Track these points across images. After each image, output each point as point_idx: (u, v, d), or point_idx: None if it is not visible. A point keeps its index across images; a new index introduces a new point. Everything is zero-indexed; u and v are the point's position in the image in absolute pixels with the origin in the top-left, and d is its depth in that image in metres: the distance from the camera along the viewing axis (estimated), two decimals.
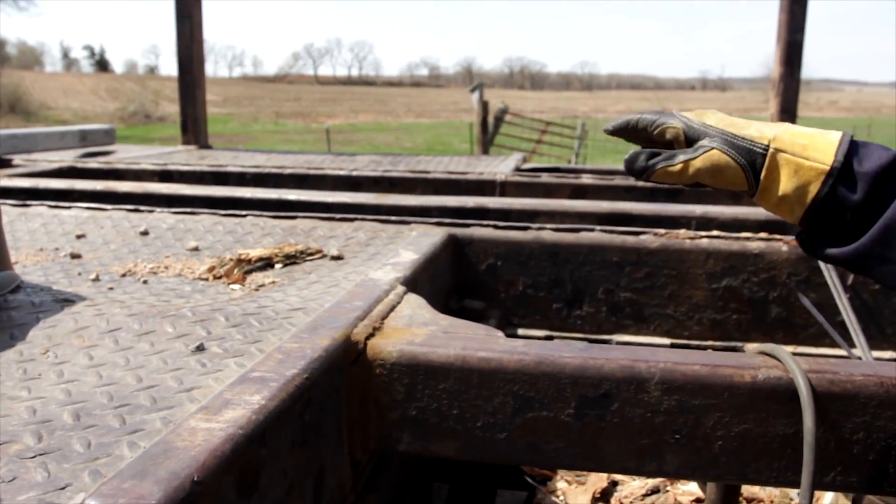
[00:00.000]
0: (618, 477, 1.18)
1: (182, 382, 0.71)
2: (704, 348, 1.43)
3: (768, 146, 0.78)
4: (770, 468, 0.78)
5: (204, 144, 3.76)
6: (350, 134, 29.38)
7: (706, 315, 1.45)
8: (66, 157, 3.06)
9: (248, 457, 0.57)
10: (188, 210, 1.64)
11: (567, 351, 0.80)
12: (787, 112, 3.31)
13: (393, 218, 1.57)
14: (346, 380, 0.81)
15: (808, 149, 0.77)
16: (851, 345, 1.32)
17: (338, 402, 0.79)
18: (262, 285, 1.15)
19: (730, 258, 1.43)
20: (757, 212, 1.80)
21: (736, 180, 0.80)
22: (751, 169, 0.79)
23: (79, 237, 1.50)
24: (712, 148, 0.80)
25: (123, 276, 1.23)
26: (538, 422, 0.80)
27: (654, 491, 1.12)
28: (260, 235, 1.49)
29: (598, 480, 1.13)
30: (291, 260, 1.30)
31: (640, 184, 2.54)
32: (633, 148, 0.86)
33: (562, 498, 1.09)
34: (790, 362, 0.76)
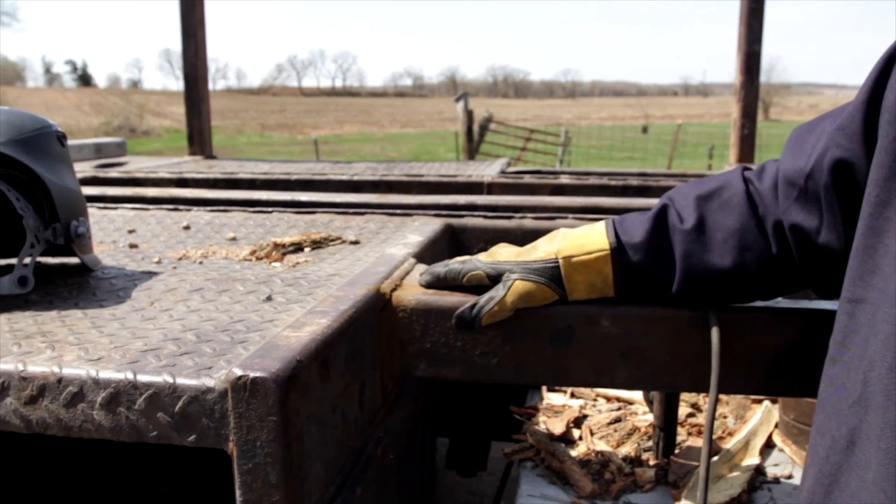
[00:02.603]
0: (587, 411, 1.46)
1: (263, 318, 0.98)
2: None
3: (557, 259, 1.00)
4: (691, 377, 1.06)
5: (209, 154, 4.03)
6: (335, 145, 29.59)
7: None
8: (85, 168, 3.32)
9: (324, 354, 0.85)
10: (220, 208, 1.92)
11: None
12: (748, 116, 3.62)
13: (398, 211, 1.85)
14: (377, 321, 1.08)
15: (587, 245, 1.00)
16: None
17: (372, 338, 1.07)
18: (298, 263, 1.42)
19: None
20: None
21: (546, 296, 1.01)
22: (555, 283, 1.01)
23: (130, 232, 1.76)
24: (515, 280, 1.01)
25: (180, 259, 1.49)
26: (521, 349, 1.08)
27: (617, 420, 1.40)
28: (286, 227, 1.76)
29: (571, 412, 1.41)
30: (317, 245, 1.57)
31: (614, 182, 2.83)
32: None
33: (544, 426, 1.37)
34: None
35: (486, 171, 3.20)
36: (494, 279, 1.05)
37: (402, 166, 3.50)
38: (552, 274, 1.01)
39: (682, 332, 1.05)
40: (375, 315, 1.08)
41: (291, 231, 1.73)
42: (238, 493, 0.77)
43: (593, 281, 1.01)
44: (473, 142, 15.83)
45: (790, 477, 1.26)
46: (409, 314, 1.09)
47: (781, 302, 1.08)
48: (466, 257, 1.11)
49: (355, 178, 2.91)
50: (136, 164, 3.59)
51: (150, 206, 1.96)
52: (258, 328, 0.94)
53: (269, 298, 1.08)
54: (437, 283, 1.11)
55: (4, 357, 0.83)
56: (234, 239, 1.68)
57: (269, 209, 1.89)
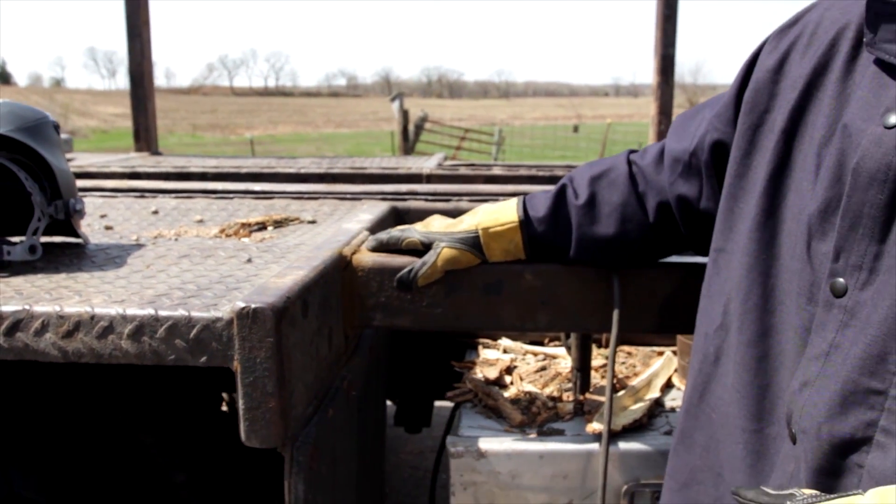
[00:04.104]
0: (517, 363, 1.70)
1: (248, 273, 1.19)
2: None
3: (477, 230, 1.24)
4: (599, 320, 1.31)
5: (155, 151, 4.14)
6: (270, 145, 29.29)
7: None
8: None
9: (304, 296, 1.06)
10: (184, 195, 2.09)
11: None
12: (665, 113, 3.93)
13: (348, 196, 2.06)
14: (340, 279, 1.30)
15: (501, 218, 1.23)
16: None
17: (337, 293, 1.28)
18: (264, 238, 1.62)
19: None
20: None
21: (470, 260, 1.25)
22: (476, 249, 1.24)
23: (102, 216, 1.92)
24: (443, 247, 1.24)
25: (156, 237, 1.67)
26: (460, 300, 1.31)
27: (542, 368, 1.65)
28: (248, 211, 1.95)
29: (503, 363, 1.64)
30: (279, 224, 1.77)
31: (542, 173, 3.09)
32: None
33: (480, 374, 1.60)
34: None
35: (425, 164, 3.42)
36: (427, 246, 1.27)
37: (345, 161, 3.70)
38: (474, 242, 1.24)
39: (591, 283, 1.30)
40: (339, 274, 1.29)
41: (253, 214, 1.92)
42: (241, 402, 0.97)
43: (507, 247, 1.24)
44: (409, 141, 16.05)
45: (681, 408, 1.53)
46: (366, 273, 1.31)
47: (673, 257, 1.34)
48: (406, 226, 1.33)
49: (302, 170, 3.10)
50: (86, 160, 3.69)
51: (118, 194, 2.12)
52: (246, 280, 1.15)
53: (249, 260, 1.28)
54: (380, 248, 1.33)
55: (40, 302, 1.02)
56: (201, 221, 1.86)
57: (231, 195, 2.08)
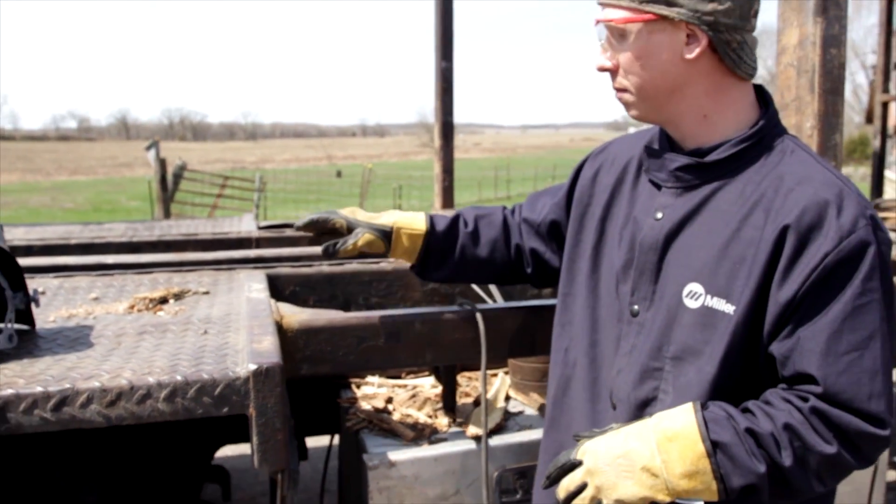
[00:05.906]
0: (392, 394, 2.14)
1: (218, 342, 1.52)
2: None
3: (393, 227, 1.62)
4: (470, 354, 1.79)
5: None
6: None
7: (423, 307, 2.48)
8: None
9: (279, 355, 1.43)
10: (64, 274, 2.27)
11: (378, 314, 1.75)
12: (447, 171, 4.57)
13: (223, 266, 2.37)
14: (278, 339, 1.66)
15: (413, 224, 1.65)
16: None
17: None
18: (178, 311, 1.90)
19: None
20: None
21: (380, 248, 1.63)
22: (386, 240, 1.64)
23: None
24: (365, 232, 1.63)
25: (68, 318, 1.88)
26: (369, 348, 1.73)
27: (414, 396, 2.10)
28: (135, 286, 2.19)
29: (384, 395, 2.07)
30: (178, 297, 2.05)
31: None
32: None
33: (368, 405, 2.02)
34: (473, 306, 1.79)
35: (244, 226, 3.72)
36: (350, 228, 1.61)
37: (161, 225, 3.88)
38: (387, 234, 1.62)
39: (463, 326, 1.78)
40: (276, 336, 1.65)
41: (140, 289, 2.17)
42: (255, 439, 1.32)
43: (408, 248, 1.63)
44: (168, 191, 15.61)
45: (522, 412, 2.06)
46: (295, 333, 1.69)
47: (514, 302, 1.86)
48: (332, 210, 1.65)
49: (135, 239, 3.27)
50: None
51: None
52: (226, 347, 1.48)
53: (205, 332, 1.61)
54: (309, 226, 1.62)
55: (78, 381, 1.29)
56: (97, 299, 2.08)
57: (112, 272, 2.29)
